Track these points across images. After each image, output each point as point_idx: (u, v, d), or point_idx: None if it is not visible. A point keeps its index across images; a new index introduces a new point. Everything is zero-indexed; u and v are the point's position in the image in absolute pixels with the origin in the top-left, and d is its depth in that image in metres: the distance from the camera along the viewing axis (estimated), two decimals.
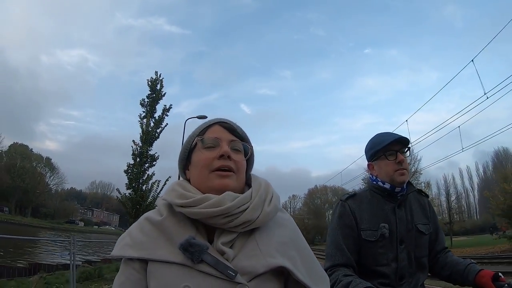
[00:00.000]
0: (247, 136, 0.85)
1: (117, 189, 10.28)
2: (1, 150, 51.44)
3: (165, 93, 10.92)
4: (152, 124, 10.38)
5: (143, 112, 10.51)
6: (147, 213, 0.80)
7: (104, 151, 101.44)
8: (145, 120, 10.33)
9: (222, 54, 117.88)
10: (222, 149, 0.77)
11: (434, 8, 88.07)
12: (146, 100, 10.66)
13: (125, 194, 9.94)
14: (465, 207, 52.37)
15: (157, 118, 10.55)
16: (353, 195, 1.48)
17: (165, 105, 10.80)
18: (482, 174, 51.96)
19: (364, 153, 1.59)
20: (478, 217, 51.38)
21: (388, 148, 1.43)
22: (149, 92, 10.74)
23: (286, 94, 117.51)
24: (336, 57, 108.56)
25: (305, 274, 0.72)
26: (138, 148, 10.15)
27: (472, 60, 10.95)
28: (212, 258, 0.68)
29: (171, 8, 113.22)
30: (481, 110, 11.95)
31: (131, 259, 0.73)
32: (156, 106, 10.67)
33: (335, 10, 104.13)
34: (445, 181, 43.21)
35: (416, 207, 1.47)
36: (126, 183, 9.91)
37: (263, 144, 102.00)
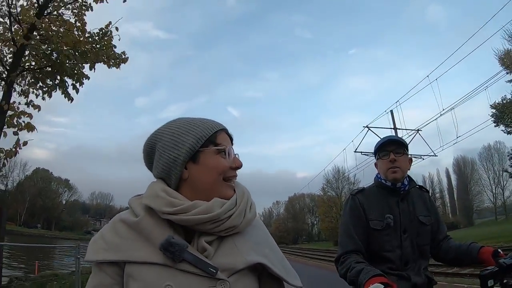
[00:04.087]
0: None
1: None
2: (27, 175, 60.61)
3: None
4: None
5: None
6: (119, 214, 0.77)
7: (92, 159, 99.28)
8: None
9: (209, 57, 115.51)
10: (237, 162, 0.79)
11: (417, 8, 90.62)
12: None
13: None
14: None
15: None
16: (361, 190, 1.64)
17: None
18: (446, 180, 53.40)
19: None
20: None
21: (382, 149, 1.60)
22: None
23: (273, 96, 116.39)
24: (321, 58, 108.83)
25: (281, 269, 0.78)
26: None
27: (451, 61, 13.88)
28: (192, 256, 0.69)
29: (156, 13, 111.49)
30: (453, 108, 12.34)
31: (102, 263, 0.72)
32: None
33: (320, 12, 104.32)
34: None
35: (417, 201, 1.62)
36: None
37: (249, 146, 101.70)
